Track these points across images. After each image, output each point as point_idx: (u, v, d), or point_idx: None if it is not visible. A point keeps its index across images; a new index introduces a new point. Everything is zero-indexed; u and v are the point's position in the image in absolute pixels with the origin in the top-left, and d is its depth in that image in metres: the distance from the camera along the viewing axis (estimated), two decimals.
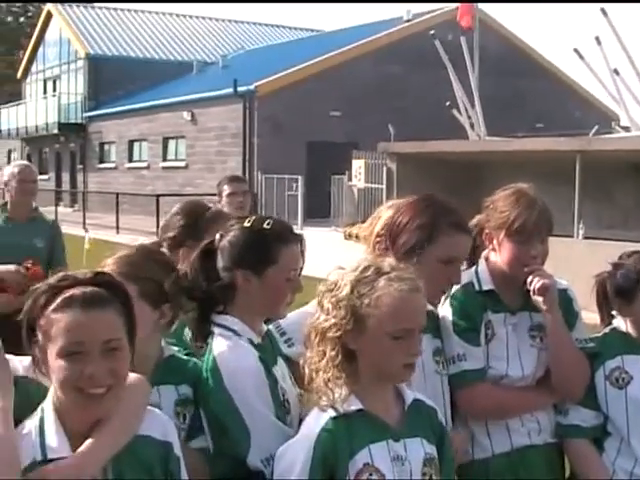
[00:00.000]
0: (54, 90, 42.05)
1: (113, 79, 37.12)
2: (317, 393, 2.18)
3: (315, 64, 28.21)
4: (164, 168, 32.71)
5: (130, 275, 2.34)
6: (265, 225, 2.46)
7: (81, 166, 38.88)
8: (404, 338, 2.15)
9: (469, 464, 2.76)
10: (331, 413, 2.15)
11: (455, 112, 19.35)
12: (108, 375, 1.85)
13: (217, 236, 2.52)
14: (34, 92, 44.83)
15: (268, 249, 2.43)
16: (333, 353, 2.16)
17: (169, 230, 3.52)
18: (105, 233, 23.34)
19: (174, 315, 2.48)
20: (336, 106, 27.35)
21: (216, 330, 2.45)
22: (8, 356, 2.05)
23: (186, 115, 30.54)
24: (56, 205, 29.81)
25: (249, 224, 2.48)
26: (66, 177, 39.92)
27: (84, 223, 22.56)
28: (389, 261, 2.27)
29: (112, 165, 36.65)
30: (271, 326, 2.66)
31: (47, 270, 5.46)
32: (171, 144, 32.73)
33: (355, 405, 2.16)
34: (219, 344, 2.42)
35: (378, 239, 2.77)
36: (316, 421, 2.17)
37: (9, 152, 46.57)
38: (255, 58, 35.97)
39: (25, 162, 6.72)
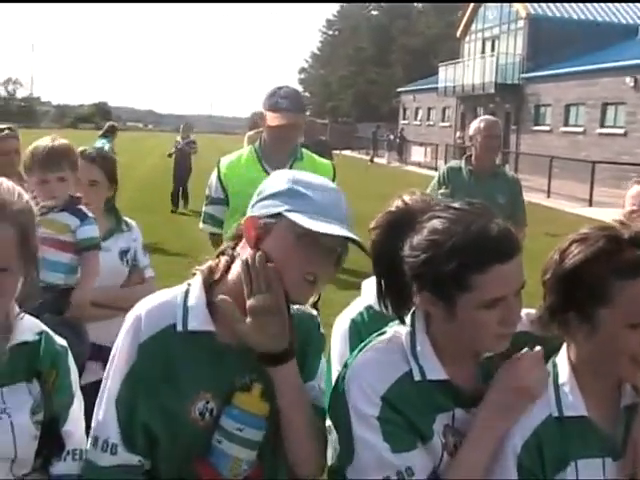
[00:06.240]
0: (492, 50, 44.12)
1: (553, 40, 38.14)
2: None
3: None
4: (601, 134, 33.01)
5: None
6: None
7: (514, 127, 40.26)
8: None
9: None
10: None
11: None
12: None
13: None
14: (472, 51, 47.54)
15: None
16: None
17: None
18: (534, 196, 23.82)
19: None
20: None
21: None
22: None
23: (628, 81, 30.81)
24: None
25: None
26: None
27: None
28: None
29: (547, 128, 37.61)
30: None
31: None
32: (610, 110, 32.98)
33: None
34: None
35: None
36: None
37: (444, 110, 50.51)
38: None
39: (492, 117, 6.77)
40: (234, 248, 2.08)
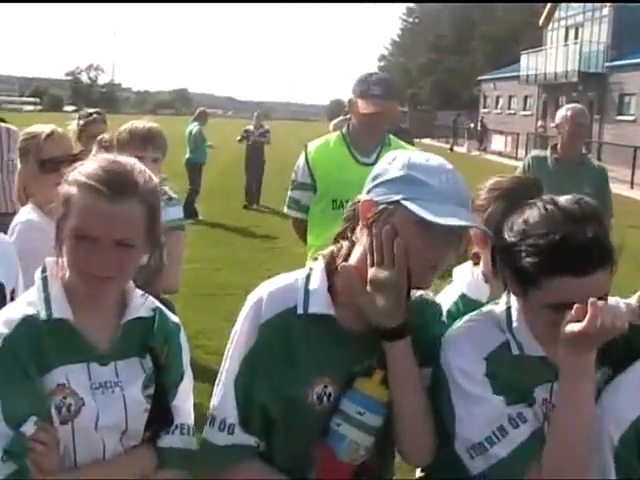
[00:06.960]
0: (575, 38, 43.45)
1: (639, 28, 37.13)
2: None
3: None
4: None
5: None
6: None
7: (597, 116, 39.06)
8: None
9: None
10: None
11: None
12: None
13: None
14: (555, 39, 46.88)
15: None
16: None
17: None
18: (618, 187, 22.99)
19: None
20: None
21: None
22: None
23: None
24: None
25: None
26: None
27: None
28: None
29: (631, 118, 36.83)
30: None
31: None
32: None
33: None
34: None
35: None
36: None
37: (525, 98, 49.77)
38: None
39: (579, 105, 6.67)
40: (353, 232, 2.05)
